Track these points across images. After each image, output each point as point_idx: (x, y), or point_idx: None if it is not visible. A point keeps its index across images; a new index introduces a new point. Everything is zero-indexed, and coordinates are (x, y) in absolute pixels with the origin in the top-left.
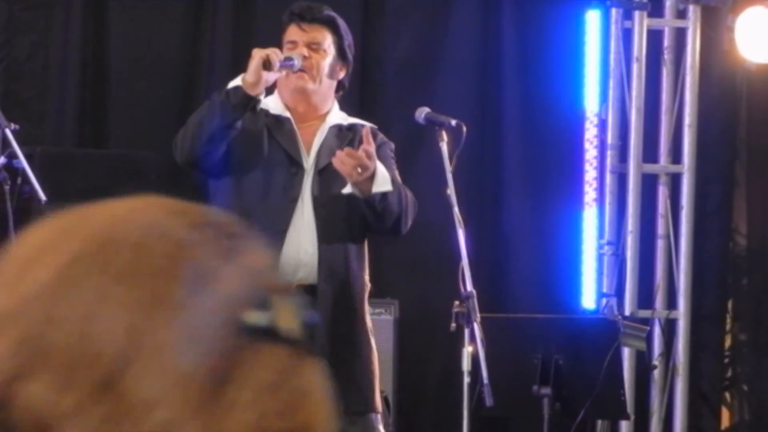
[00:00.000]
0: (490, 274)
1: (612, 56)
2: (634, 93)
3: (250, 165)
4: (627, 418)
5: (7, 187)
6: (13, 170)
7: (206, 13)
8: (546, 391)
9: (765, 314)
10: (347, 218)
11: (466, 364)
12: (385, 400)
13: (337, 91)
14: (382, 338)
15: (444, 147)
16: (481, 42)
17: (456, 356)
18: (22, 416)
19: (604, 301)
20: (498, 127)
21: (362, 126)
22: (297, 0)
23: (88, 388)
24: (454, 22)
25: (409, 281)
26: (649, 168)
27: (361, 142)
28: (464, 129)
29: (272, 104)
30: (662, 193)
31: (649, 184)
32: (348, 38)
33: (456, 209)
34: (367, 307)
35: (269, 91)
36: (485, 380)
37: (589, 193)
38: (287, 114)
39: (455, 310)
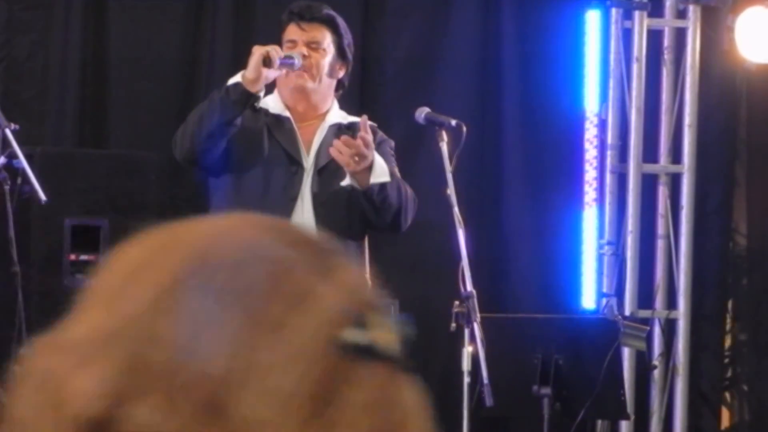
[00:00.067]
0: (490, 274)
1: (612, 56)
2: (634, 93)
3: (249, 164)
4: (627, 418)
5: (7, 187)
6: (13, 170)
7: (206, 12)
8: (546, 391)
9: (765, 314)
10: (347, 217)
11: (466, 364)
12: None
13: (336, 90)
14: None
15: (444, 147)
16: (481, 42)
17: (456, 356)
18: None
19: (604, 301)
20: (498, 127)
21: None
22: None
23: (193, 410)
24: (454, 22)
25: (409, 281)
26: (649, 168)
27: None
28: (464, 129)
29: (272, 103)
30: (662, 193)
31: (649, 184)
32: (347, 37)
33: (456, 209)
34: None
35: (269, 90)
36: (485, 380)
37: (589, 193)
38: (287, 113)
39: (455, 310)
